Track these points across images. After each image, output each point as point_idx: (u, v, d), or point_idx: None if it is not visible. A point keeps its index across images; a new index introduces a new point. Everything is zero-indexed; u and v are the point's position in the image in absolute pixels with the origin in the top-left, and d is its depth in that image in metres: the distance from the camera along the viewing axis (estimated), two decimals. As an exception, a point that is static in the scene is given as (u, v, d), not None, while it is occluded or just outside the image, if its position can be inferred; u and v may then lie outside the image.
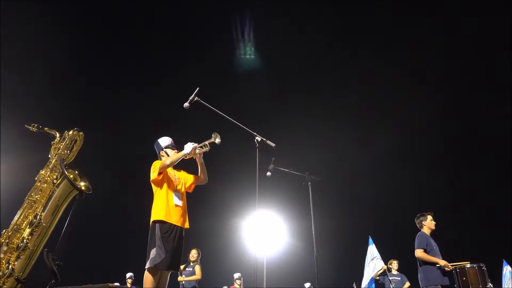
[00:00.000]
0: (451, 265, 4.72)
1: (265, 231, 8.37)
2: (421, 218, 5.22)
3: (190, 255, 6.66)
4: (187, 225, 3.70)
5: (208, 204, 8.19)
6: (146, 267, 3.40)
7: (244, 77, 8.97)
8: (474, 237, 7.98)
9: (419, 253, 4.87)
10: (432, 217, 5.20)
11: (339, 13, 8.41)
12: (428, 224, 5.15)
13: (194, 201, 4.26)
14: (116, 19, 7.74)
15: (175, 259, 3.48)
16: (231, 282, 7.57)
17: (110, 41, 7.91)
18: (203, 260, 6.81)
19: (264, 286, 3.84)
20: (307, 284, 7.99)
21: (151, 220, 3.54)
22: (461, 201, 8.29)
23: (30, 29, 6.66)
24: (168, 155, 3.77)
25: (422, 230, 5.16)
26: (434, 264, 4.79)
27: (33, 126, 3.22)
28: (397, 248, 7.37)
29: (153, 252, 3.39)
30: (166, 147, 3.88)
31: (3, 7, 6.15)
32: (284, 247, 9.08)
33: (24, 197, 3.05)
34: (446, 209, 7.75)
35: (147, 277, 3.38)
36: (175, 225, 3.54)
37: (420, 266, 4.92)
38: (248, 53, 8.40)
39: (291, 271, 8.69)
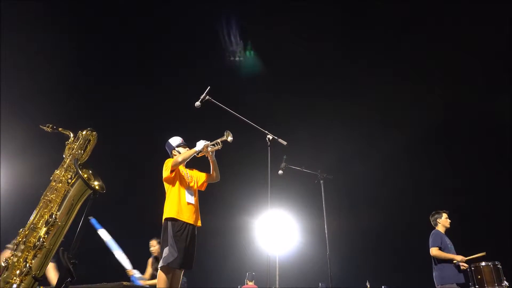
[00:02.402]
0: (467, 258, 4.65)
1: (277, 230, 8.35)
2: (436, 216, 5.17)
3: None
4: (199, 224, 3.71)
5: (220, 202, 8.20)
6: (159, 266, 3.42)
7: (253, 76, 8.95)
8: (489, 235, 7.84)
9: (434, 251, 4.83)
10: (448, 215, 5.15)
11: (346, 9, 8.35)
12: (443, 222, 5.10)
13: (205, 199, 4.27)
14: (133, 18, 7.77)
15: (187, 258, 3.49)
16: (243, 281, 7.58)
17: (117, 40, 7.97)
18: (216, 260, 6.79)
19: (277, 286, 3.83)
20: (322, 284, 7.95)
21: (163, 218, 3.57)
22: (475, 199, 8.14)
23: (31, 28, 6.69)
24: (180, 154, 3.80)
25: (436, 228, 5.12)
26: (449, 261, 4.73)
27: (48, 127, 3.26)
28: (411, 246, 7.29)
29: (165, 251, 3.41)
30: (178, 146, 3.91)
31: (2, 6, 6.21)
32: (296, 246, 9.04)
33: (40, 196, 3.10)
34: (461, 208, 7.62)
35: (160, 276, 3.40)
36: (187, 223, 3.55)
37: (435, 264, 4.86)
38: (249, 54, 8.40)
39: (304, 270, 8.65)
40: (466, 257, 4.71)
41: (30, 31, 6.66)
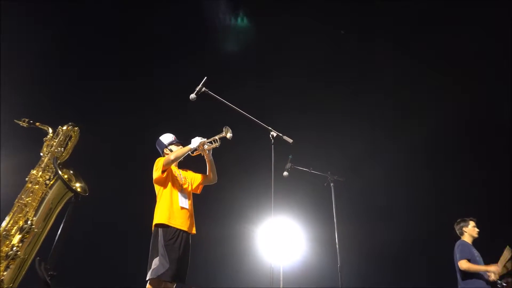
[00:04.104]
0: (500, 268, 4.62)
1: (281, 238, 8.34)
2: (462, 224, 5.14)
3: None
4: (194, 231, 3.71)
5: (217, 207, 8.20)
6: (147, 278, 3.41)
7: (255, 68, 8.92)
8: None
9: (463, 264, 4.73)
10: (475, 223, 5.11)
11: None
12: (469, 231, 5.07)
13: (201, 204, 4.27)
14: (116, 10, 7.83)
15: (181, 270, 3.48)
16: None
17: (108, 33, 8.00)
18: (213, 270, 6.80)
19: (281, 301, 3.83)
20: None
21: (153, 224, 3.56)
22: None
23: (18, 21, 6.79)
24: (173, 152, 3.80)
25: (462, 237, 5.09)
26: (479, 275, 4.69)
27: (23, 121, 3.27)
28: (433, 256, 7.28)
29: (155, 262, 3.39)
30: (170, 143, 3.91)
31: None
32: (303, 256, 9.02)
33: (14, 200, 3.10)
34: (487, 215, 7.58)
35: (150, 290, 3.40)
36: (180, 230, 3.55)
37: (462, 279, 4.80)
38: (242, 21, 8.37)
39: (311, 283, 8.64)
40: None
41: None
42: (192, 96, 3.47)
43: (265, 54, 8.87)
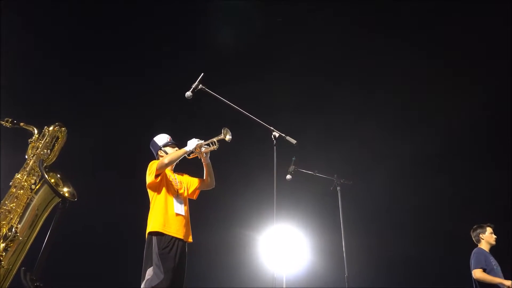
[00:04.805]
0: None
1: (284, 246, 8.33)
2: (479, 231, 5.16)
3: None
4: (190, 239, 3.70)
5: (215, 214, 8.18)
6: (141, 289, 3.40)
7: (256, 64, 8.90)
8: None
9: (477, 273, 4.78)
10: (493, 230, 5.11)
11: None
12: (487, 238, 5.08)
13: (198, 210, 4.25)
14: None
15: (176, 280, 3.46)
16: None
17: (99, 28, 8.01)
18: (211, 281, 6.79)
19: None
20: None
21: (147, 231, 3.55)
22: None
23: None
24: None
25: (479, 245, 5.11)
26: (495, 286, 4.68)
27: (7, 121, 3.26)
28: (448, 265, 7.26)
29: (149, 272, 3.38)
30: (165, 145, 3.90)
31: None
32: (307, 265, 9.00)
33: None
34: (507, 221, 7.55)
35: (143, 302, 3.39)
36: (176, 238, 3.53)
37: (477, 290, 4.82)
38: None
39: (316, 294, 8.63)
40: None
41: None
42: (188, 94, 3.46)
43: (267, 47, 8.83)
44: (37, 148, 3.27)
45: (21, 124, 3.31)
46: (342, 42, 8.67)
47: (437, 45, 8.45)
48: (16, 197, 3.07)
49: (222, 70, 8.04)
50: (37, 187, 3.19)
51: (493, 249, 5.08)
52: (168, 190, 3.66)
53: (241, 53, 8.65)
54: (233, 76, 8.43)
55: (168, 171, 3.78)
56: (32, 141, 3.32)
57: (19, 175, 3.18)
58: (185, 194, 3.81)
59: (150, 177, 3.60)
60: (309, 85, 8.96)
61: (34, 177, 3.21)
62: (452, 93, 8.44)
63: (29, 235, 3.05)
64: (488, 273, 4.78)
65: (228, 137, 3.58)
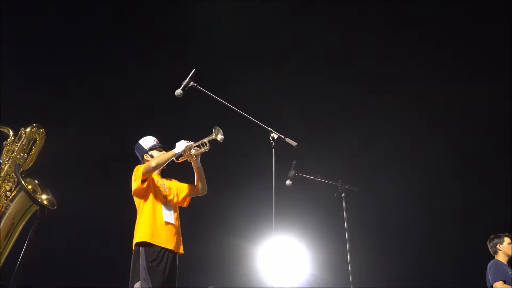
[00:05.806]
0: None
1: (284, 258, 8.35)
2: (496, 241, 5.21)
3: None
4: (181, 250, 3.71)
5: (207, 222, 8.19)
6: (128, 305, 3.42)
7: (254, 61, 8.92)
8: None
9: (499, 285, 4.86)
10: (511, 240, 5.15)
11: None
12: (504, 249, 5.14)
13: (188, 219, 4.26)
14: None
15: (166, 295, 3.48)
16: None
17: (84, 22, 8.04)
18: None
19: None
20: None
21: (134, 242, 3.56)
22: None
23: None
24: (154, 158, 3.79)
25: (496, 256, 5.18)
26: None
27: (-20, 122, 3.26)
28: (463, 279, 7.28)
29: (136, 286, 3.40)
30: (151, 148, 3.91)
31: None
32: (308, 280, 9.02)
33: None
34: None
35: (129, 319, 3.40)
36: (165, 249, 3.54)
37: (497, 305, 4.86)
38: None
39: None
40: None
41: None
42: (178, 91, 3.45)
43: (265, 43, 8.86)
44: (13, 152, 3.27)
45: (-5, 125, 3.31)
46: (356, 39, 8.71)
47: (450, 42, 8.49)
48: (-10, 205, 3.08)
49: (215, 68, 8.06)
50: (13, 194, 3.20)
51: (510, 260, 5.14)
52: (156, 197, 3.67)
53: (237, 49, 8.68)
54: (228, 73, 8.46)
55: (156, 176, 3.79)
56: (7, 144, 3.32)
57: (-7, 181, 3.18)
58: (175, 200, 3.81)
59: (136, 183, 3.60)
60: (311, 84, 8.98)
61: (10, 183, 3.21)
62: (464, 95, 8.49)
63: (5, 247, 3.06)
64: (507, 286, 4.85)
65: (220, 137, 3.58)
